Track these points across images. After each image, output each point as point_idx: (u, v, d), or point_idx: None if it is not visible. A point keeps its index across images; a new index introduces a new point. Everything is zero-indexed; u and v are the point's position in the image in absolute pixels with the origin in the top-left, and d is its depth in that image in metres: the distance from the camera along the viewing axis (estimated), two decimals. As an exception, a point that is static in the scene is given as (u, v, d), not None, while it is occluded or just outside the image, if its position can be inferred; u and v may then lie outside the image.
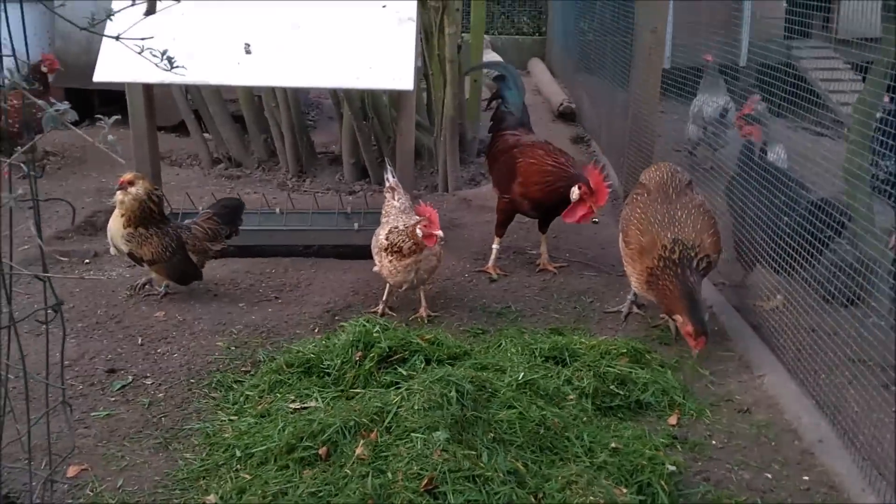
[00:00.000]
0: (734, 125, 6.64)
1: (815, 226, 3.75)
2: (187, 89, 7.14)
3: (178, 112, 7.35)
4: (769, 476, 3.14)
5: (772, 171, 4.45)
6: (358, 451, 2.63)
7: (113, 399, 3.56)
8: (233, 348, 4.02)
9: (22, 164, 2.38)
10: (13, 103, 6.06)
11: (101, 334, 4.14)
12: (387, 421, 2.76)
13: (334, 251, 5.32)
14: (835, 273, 3.80)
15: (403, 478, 2.46)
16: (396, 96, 5.72)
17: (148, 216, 4.41)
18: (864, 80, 5.68)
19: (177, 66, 2.20)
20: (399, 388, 2.95)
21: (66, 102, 2.20)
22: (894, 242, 4.46)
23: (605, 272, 5.08)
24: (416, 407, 2.74)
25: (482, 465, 2.56)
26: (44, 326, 2.46)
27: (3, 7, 2.23)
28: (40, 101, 2.18)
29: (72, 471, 3.02)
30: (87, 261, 5.14)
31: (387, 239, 4.21)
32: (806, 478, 3.12)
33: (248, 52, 4.63)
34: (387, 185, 4.63)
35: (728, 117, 6.80)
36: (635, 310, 4.49)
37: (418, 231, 4.08)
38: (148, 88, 5.10)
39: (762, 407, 3.61)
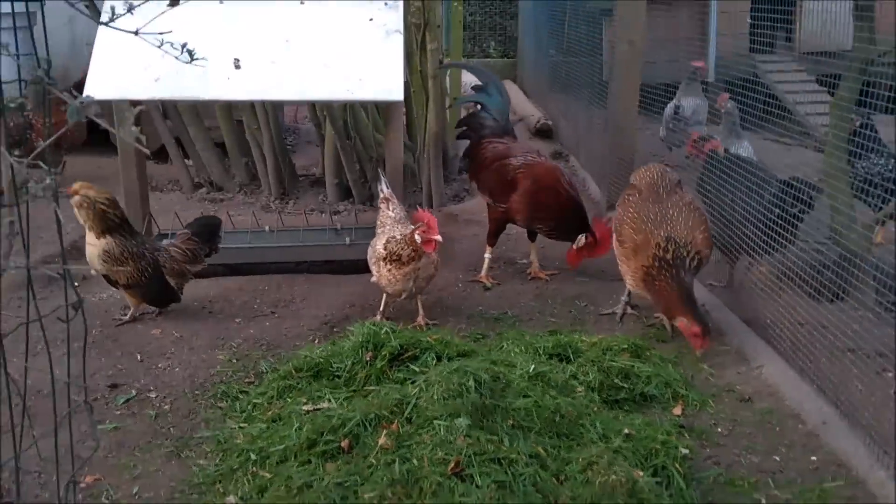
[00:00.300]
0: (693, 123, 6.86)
1: (787, 203, 3.95)
2: (167, 114, 7.15)
3: (157, 138, 7.34)
4: (777, 459, 3.19)
5: (740, 162, 4.65)
6: (381, 441, 2.64)
7: (118, 413, 3.52)
8: (234, 361, 4.00)
9: (41, 164, 2.39)
10: (36, 122, 6.11)
11: (98, 353, 4.09)
12: (407, 412, 2.78)
13: (326, 267, 5.33)
14: (820, 271, 3.94)
15: (429, 463, 2.48)
16: (383, 110, 5.79)
17: (108, 219, 4.30)
18: (829, 91, 5.93)
19: (196, 59, 2.23)
20: (415, 382, 2.97)
21: (88, 95, 2.21)
22: (881, 237, 4.62)
23: (596, 278, 5.16)
24: (435, 397, 2.76)
25: (505, 448, 2.59)
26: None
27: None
28: (63, 94, 2.20)
29: (86, 481, 2.98)
30: (77, 283, 5.08)
31: (385, 248, 4.24)
32: (814, 458, 3.18)
33: (237, 66, 4.66)
34: (381, 196, 4.67)
35: (681, 114, 6.98)
36: (629, 310, 4.56)
37: (417, 237, 4.11)
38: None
39: (763, 395, 3.68)
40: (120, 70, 4.58)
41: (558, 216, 4.96)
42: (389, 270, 4.22)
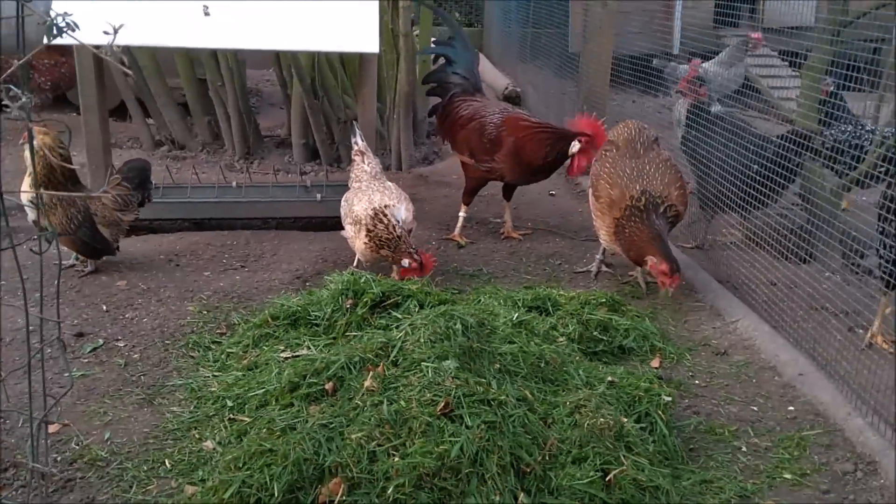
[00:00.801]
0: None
1: (789, 158, 4.02)
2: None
3: (117, 94, 7.11)
4: (755, 409, 3.22)
5: (728, 122, 4.68)
6: (367, 383, 2.58)
7: (86, 361, 3.40)
8: (205, 312, 3.89)
9: (13, 87, 2.26)
10: (45, 62, 5.80)
11: (62, 303, 3.94)
12: (393, 355, 2.71)
13: (297, 223, 5.21)
14: (788, 236, 4.00)
15: (418, 404, 2.42)
16: (355, 65, 5.66)
17: (51, 172, 4.06)
18: (790, 65, 5.94)
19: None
20: (399, 327, 2.91)
21: (69, 13, 2.09)
22: (847, 203, 4.69)
23: (569, 238, 5.14)
24: (421, 340, 2.70)
25: (493, 391, 2.55)
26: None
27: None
28: (39, 11, 2.08)
29: (52, 428, 2.86)
30: (35, 236, 4.89)
31: (373, 224, 4.02)
32: (791, 408, 3.21)
33: (206, 13, 4.51)
34: (355, 148, 4.55)
35: (668, 73, 7.01)
36: (604, 268, 4.55)
37: (405, 262, 3.98)
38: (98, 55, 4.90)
39: (738, 349, 3.71)
40: (81, 19, 4.39)
41: (549, 152, 4.77)
42: (366, 244, 4.07)
